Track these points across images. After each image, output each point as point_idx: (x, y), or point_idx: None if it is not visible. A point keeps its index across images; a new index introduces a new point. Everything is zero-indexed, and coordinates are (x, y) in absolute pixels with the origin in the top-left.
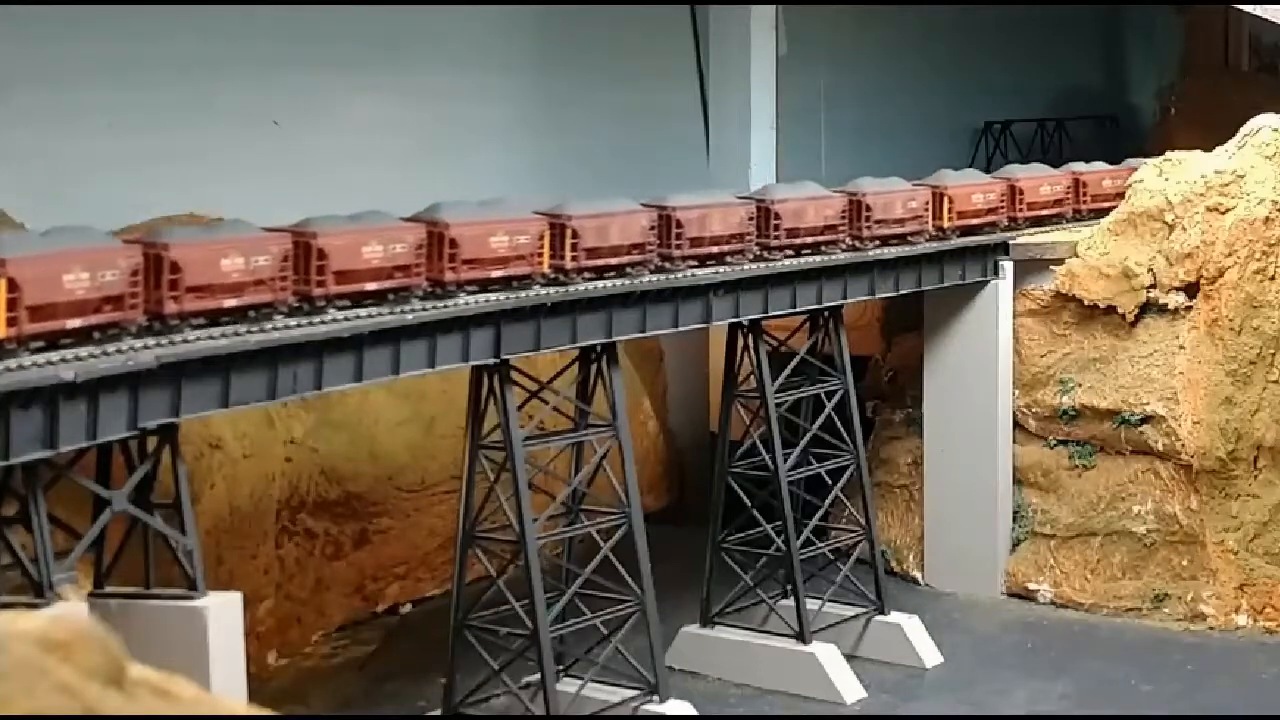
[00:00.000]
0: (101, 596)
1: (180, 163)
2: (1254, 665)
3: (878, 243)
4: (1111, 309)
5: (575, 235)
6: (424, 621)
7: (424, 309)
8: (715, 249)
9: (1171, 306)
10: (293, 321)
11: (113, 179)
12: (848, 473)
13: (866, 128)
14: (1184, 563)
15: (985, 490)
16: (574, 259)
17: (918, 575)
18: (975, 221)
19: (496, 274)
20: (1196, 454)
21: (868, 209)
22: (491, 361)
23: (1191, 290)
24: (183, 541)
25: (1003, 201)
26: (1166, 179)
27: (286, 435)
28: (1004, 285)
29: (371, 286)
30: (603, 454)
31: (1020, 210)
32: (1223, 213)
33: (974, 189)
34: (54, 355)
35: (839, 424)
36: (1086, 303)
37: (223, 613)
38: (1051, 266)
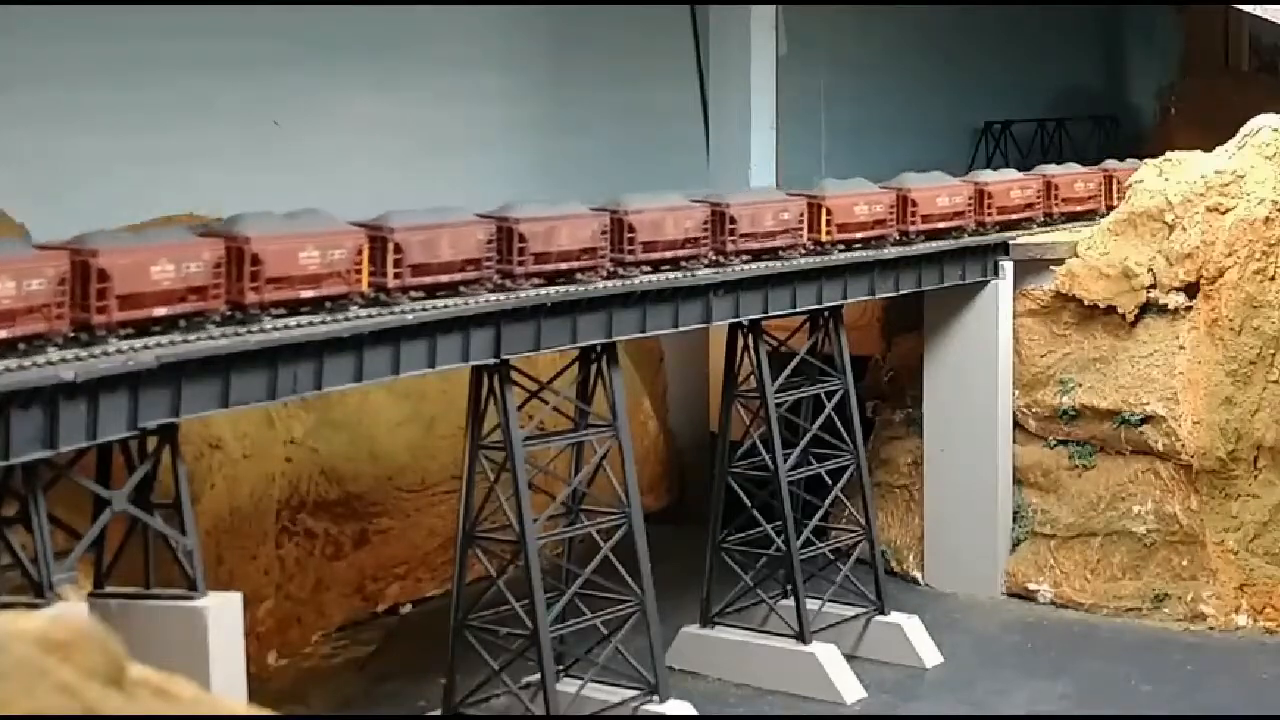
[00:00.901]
0: (101, 596)
1: (180, 163)
2: (1254, 665)
3: (747, 257)
4: (1111, 309)
5: (398, 250)
6: (424, 622)
7: (423, 309)
8: (564, 265)
9: (1171, 306)
10: (292, 322)
11: (113, 179)
12: (848, 473)
13: (867, 128)
14: (1184, 563)
15: (985, 490)
16: (397, 276)
17: (918, 575)
18: (860, 235)
19: (307, 294)
20: (1196, 454)
21: (732, 220)
22: (491, 361)
23: (1191, 290)
24: (183, 542)
25: (892, 213)
26: (1166, 179)
27: (286, 435)
28: (1004, 285)
29: (161, 312)
30: (603, 454)
31: (913, 222)
32: (1223, 213)
33: (858, 199)
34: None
35: (839, 424)
36: (1086, 303)
37: (223, 613)
38: (1051, 266)
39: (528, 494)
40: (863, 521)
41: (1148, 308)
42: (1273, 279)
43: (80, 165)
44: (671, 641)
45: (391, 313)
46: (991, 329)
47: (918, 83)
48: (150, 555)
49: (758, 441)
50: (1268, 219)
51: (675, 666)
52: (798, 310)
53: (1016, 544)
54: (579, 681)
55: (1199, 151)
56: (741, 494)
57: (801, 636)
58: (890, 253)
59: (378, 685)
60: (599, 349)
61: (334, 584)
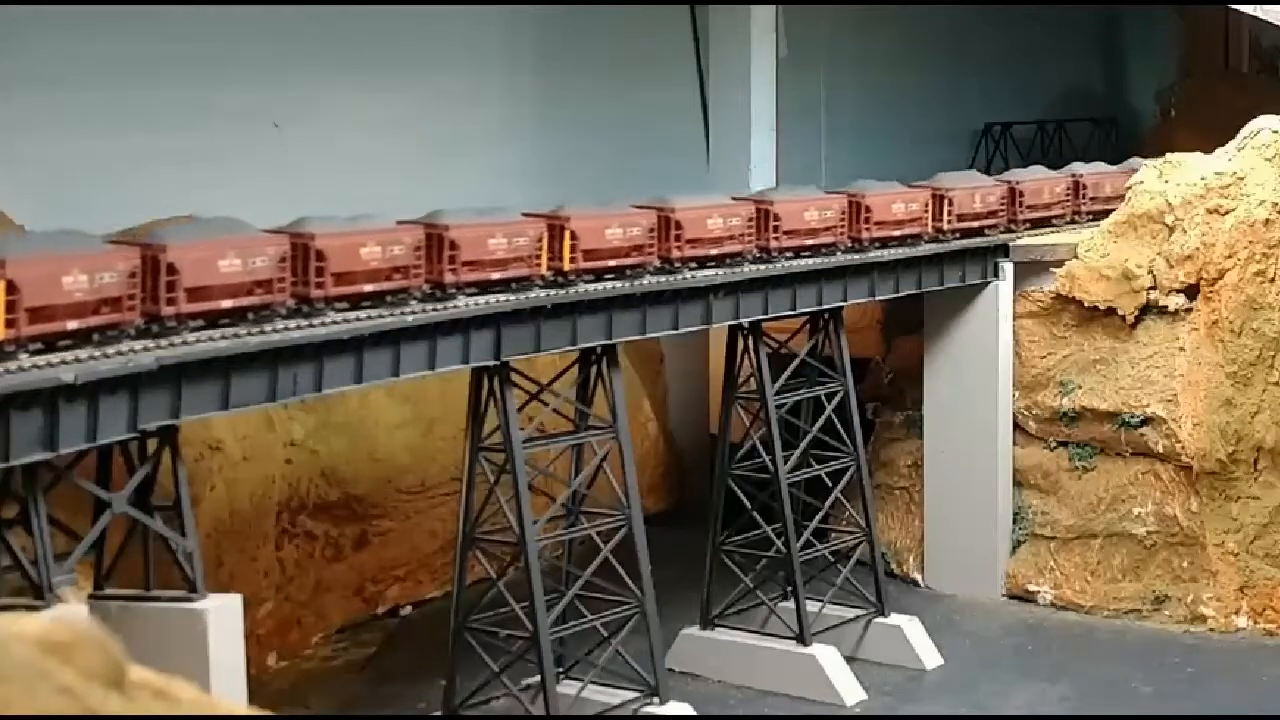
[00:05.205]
0: (101, 598)
1: (180, 163)
2: (1254, 667)
3: (474, 289)
4: (1112, 311)
5: (13, 291)
6: (424, 623)
7: (424, 310)
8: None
9: (1172, 308)
10: (293, 323)
11: (113, 179)
12: (848, 475)
13: (867, 130)
14: (1184, 564)
15: (985, 492)
16: (10, 323)
17: (918, 577)
18: (614, 262)
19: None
20: (1196, 456)
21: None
22: (492, 363)
23: (1191, 292)
24: (183, 544)
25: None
26: (1166, 181)
27: (286, 437)
28: (1004, 287)
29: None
30: (603, 456)
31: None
32: (1223, 214)
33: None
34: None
35: (839, 426)
36: (1087, 304)
37: (223, 615)
38: (1052, 269)
39: (528, 496)
40: (863, 523)
41: (1148, 309)
42: (1273, 281)
43: (80, 166)
44: (671, 643)
45: (392, 314)
46: (991, 331)
47: (918, 84)
48: (150, 557)
49: (758, 443)
50: (1268, 221)
51: (675, 668)
52: (798, 312)
53: (1016, 546)
54: (579, 683)
55: (1199, 153)
56: (741, 496)
57: (801, 638)
58: (890, 255)
59: (378, 687)
60: (599, 351)
61: (334, 586)
